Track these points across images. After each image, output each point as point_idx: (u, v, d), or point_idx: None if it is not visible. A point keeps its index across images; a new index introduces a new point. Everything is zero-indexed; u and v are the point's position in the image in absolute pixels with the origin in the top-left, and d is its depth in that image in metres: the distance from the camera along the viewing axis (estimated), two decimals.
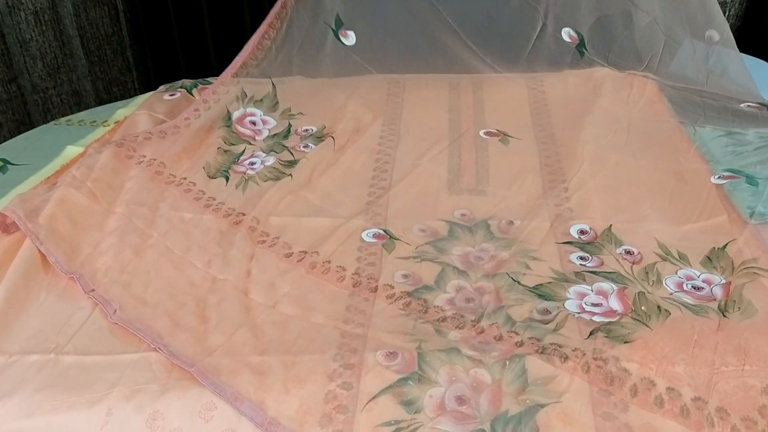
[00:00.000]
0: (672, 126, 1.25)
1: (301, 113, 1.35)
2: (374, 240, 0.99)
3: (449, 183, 1.14)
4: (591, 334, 0.79)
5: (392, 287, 0.90)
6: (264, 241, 0.99)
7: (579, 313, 0.83)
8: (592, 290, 0.87)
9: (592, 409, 0.71)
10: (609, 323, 0.80)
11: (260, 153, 1.24)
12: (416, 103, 1.39)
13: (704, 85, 1.41)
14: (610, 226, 0.99)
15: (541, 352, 0.76)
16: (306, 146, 1.25)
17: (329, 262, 0.95)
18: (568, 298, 0.86)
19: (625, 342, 0.77)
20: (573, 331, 0.80)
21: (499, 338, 0.80)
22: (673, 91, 1.37)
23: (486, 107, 1.35)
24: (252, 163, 1.20)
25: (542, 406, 0.71)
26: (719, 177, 1.07)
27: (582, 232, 0.99)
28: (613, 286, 0.87)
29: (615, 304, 0.84)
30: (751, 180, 1.04)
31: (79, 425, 0.72)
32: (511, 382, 0.74)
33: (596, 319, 0.81)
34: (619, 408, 0.71)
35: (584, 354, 0.75)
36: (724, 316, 0.80)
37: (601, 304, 0.84)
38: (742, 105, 1.30)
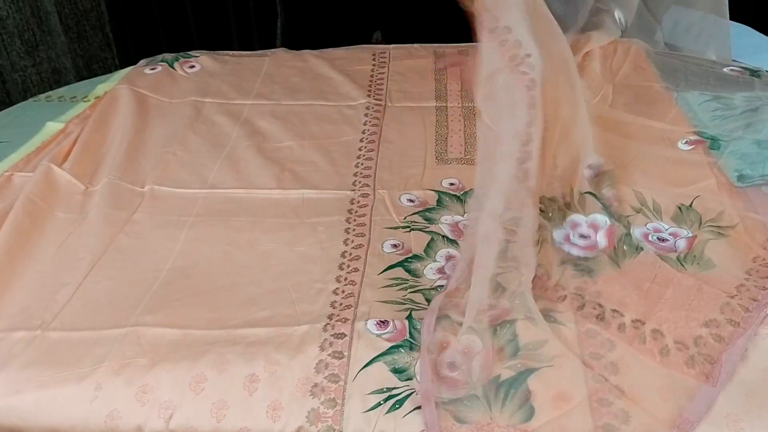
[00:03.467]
0: (659, 91, 1.24)
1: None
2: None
3: (437, 153, 1.13)
4: (561, 263, 0.84)
5: (382, 257, 0.89)
6: None
7: (561, 243, 0.87)
8: (586, 221, 0.89)
9: (583, 373, 0.71)
10: (584, 258, 0.85)
11: None
12: (402, 73, 1.37)
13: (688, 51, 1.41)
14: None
15: (532, 318, 0.76)
16: None
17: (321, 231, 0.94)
18: (560, 228, 0.89)
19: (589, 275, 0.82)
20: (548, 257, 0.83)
21: (491, 305, 0.79)
22: (659, 57, 1.36)
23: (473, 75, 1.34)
24: None
25: (534, 370, 0.71)
26: (686, 142, 1.07)
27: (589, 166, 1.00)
28: (607, 221, 0.89)
29: (601, 239, 0.87)
30: (714, 144, 1.04)
31: (68, 400, 0.71)
32: (503, 347, 0.74)
33: (573, 252, 0.86)
34: (608, 370, 0.71)
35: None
36: (683, 266, 0.83)
37: (589, 236, 0.87)
38: (725, 69, 1.30)
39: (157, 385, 0.72)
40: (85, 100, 1.34)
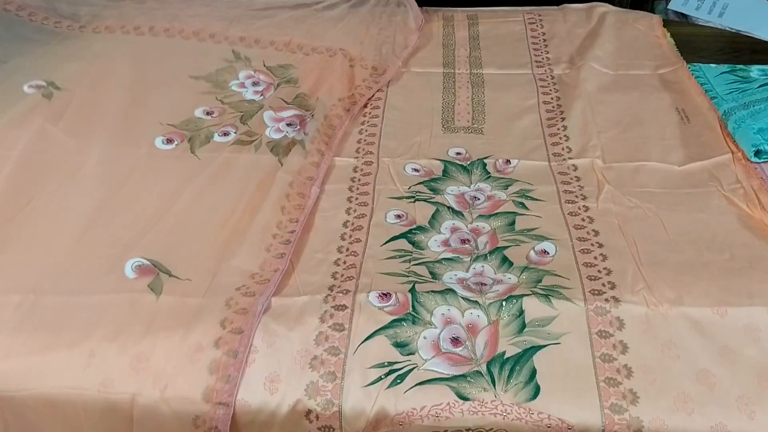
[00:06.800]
0: (675, 63, 1.20)
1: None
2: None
3: (444, 121, 1.09)
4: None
5: (385, 227, 0.86)
6: None
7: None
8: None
9: (591, 351, 0.69)
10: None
11: None
12: None
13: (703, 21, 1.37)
14: (609, 166, 0.96)
15: (540, 294, 0.74)
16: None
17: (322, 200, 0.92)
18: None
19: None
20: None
21: (497, 280, 0.77)
22: (676, 28, 1.33)
23: (482, 43, 1.30)
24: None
25: (540, 347, 0.69)
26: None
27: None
28: None
29: None
30: (731, 117, 1.01)
31: (61, 367, 0.69)
32: (508, 323, 0.72)
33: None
34: (618, 349, 0.69)
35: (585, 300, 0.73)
36: None
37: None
38: (744, 40, 1.26)
39: (152, 353, 0.70)
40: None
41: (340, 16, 1.35)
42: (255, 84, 1.16)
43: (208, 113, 1.08)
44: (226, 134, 1.04)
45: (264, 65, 1.21)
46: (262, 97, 1.13)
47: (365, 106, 1.12)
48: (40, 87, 1.11)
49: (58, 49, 1.23)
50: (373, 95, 1.14)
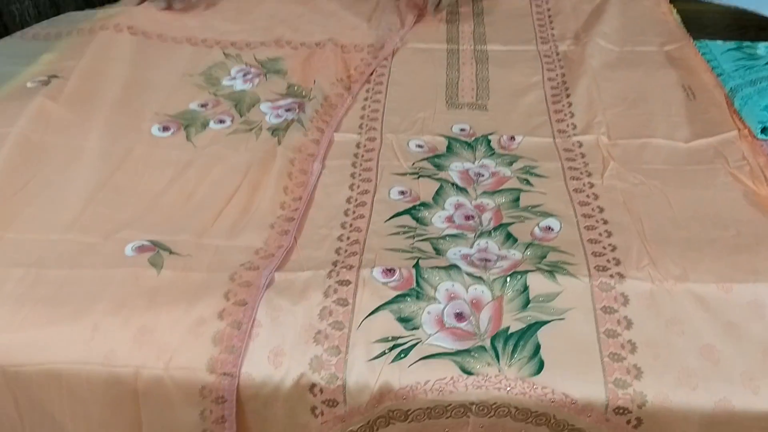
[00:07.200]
0: (682, 40, 1.19)
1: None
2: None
3: (448, 97, 1.08)
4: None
5: (389, 203, 0.86)
6: None
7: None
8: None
9: (595, 327, 0.69)
10: None
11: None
12: None
13: None
14: (614, 143, 0.95)
15: (544, 270, 0.74)
16: None
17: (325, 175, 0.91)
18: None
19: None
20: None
21: (502, 256, 0.77)
22: (683, 5, 1.31)
23: (486, 18, 1.28)
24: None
25: (544, 323, 0.69)
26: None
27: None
28: None
29: None
30: (738, 94, 1.00)
31: (64, 340, 0.69)
32: (512, 299, 0.71)
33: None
34: (622, 325, 0.69)
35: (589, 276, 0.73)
36: None
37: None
38: (751, 17, 1.25)
39: (156, 326, 0.70)
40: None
41: (332, 12, 1.32)
42: (245, 74, 1.15)
43: (202, 105, 1.07)
44: (222, 122, 1.02)
45: (255, 59, 1.19)
46: (251, 85, 1.11)
47: (367, 81, 1.11)
48: (42, 81, 1.09)
49: (61, 47, 1.22)
50: (373, 72, 1.13)
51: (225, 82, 1.13)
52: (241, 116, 1.04)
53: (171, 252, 0.78)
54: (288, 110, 1.04)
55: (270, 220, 0.83)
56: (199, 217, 0.84)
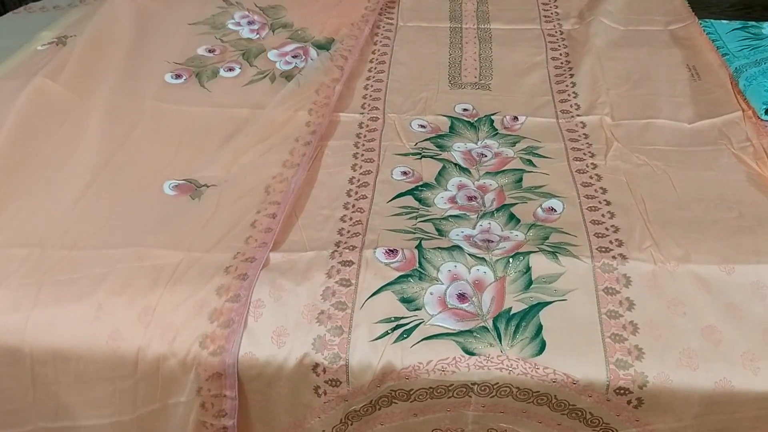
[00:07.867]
0: (686, 19, 1.18)
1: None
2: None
3: (450, 77, 1.08)
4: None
5: (391, 184, 0.86)
6: None
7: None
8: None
9: (597, 308, 0.69)
10: None
11: None
12: None
13: None
14: (618, 124, 0.95)
15: (546, 251, 0.74)
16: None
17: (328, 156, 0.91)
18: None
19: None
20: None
21: (504, 237, 0.77)
22: None
23: None
24: None
25: (546, 304, 0.69)
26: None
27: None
28: None
29: None
30: (742, 74, 1.00)
31: (69, 320, 0.69)
32: (515, 280, 0.72)
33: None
34: (624, 306, 0.69)
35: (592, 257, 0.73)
36: None
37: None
38: None
39: (159, 305, 0.70)
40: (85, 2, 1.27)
41: None
42: (250, 23, 1.19)
43: (210, 51, 1.12)
44: (231, 69, 1.07)
45: (255, 5, 1.24)
46: (258, 35, 1.16)
47: (371, 60, 1.11)
48: (52, 43, 1.13)
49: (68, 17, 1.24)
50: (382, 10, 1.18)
51: (230, 26, 1.18)
52: (250, 65, 1.09)
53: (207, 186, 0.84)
54: (294, 56, 1.10)
55: (295, 134, 0.91)
56: (229, 149, 0.90)
